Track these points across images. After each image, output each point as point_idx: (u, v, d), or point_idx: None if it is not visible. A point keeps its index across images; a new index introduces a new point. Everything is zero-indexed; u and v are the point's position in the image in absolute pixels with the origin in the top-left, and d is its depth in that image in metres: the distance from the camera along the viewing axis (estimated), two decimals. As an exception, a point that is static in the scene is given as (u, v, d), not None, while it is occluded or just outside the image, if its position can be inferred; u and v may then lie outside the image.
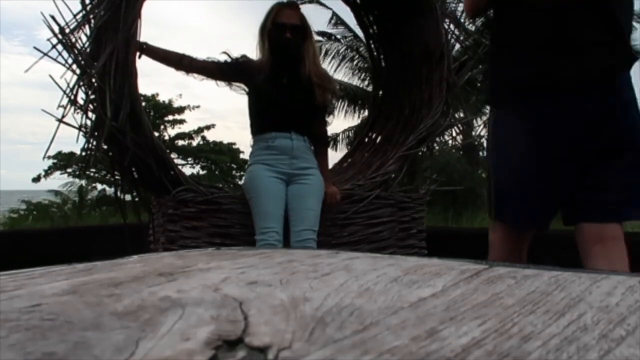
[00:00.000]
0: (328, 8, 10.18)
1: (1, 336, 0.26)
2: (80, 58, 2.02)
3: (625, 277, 0.44)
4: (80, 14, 2.04)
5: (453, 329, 0.29)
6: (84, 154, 2.13)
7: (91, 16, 2.04)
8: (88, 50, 2.04)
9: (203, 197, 2.20)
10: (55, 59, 2.04)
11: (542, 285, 0.41)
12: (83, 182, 9.99)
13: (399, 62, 3.14)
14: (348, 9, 3.34)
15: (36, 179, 10.81)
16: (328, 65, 11.03)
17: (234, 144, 12.33)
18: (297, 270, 0.46)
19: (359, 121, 11.12)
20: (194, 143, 12.03)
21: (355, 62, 11.41)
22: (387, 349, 0.25)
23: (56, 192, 10.07)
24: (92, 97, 2.06)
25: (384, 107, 3.22)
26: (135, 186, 2.27)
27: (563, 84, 1.38)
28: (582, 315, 0.32)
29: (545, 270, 0.47)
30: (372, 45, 3.37)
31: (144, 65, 2.16)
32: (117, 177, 2.32)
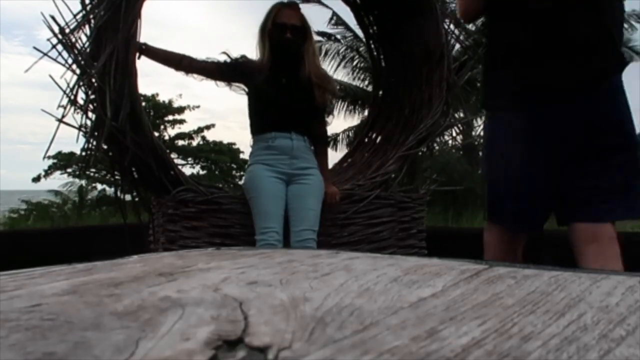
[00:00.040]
0: (328, 8, 10.18)
1: (1, 336, 0.26)
2: (80, 58, 2.02)
3: (625, 277, 0.44)
4: (80, 14, 2.04)
5: (453, 329, 0.29)
6: (84, 154, 2.13)
7: (91, 16, 2.03)
8: (88, 50, 2.04)
9: (203, 197, 2.20)
10: (55, 59, 2.03)
11: (542, 285, 0.41)
12: (83, 182, 10.00)
13: (399, 62, 3.14)
14: (348, 9, 3.34)
15: (36, 179, 10.81)
16: (328, 66, 11.04)
17: (234, 144, 12.33)
18: (297, 270, 0.46)
19: (359, 121, 11.13)
20: (194, 143, 12.04)
21: (355, 62, 11.41)
22: (387, 349, 0.25)
23: (56, 192, 10.07)
24: (92, 97, 2.06)
25: (384, 107, 3.22)
26: (135, 186, 2.27)
27: (555, 88, 1.40)
28: (582, 315, 0.32)
29: (545, 270, 0.47)
30: (372, 45, 3.37)
31: (144, 65, 2.17)
32: (117, 177, 2.32)
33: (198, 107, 11.78)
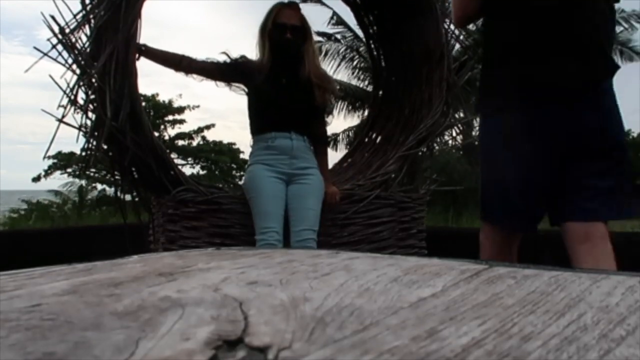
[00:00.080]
0: (329, 7, 10.18)
1: (1, 336, 0.26)
2: (80, 58, 2.02)
3: (625, 277, 0.44)
4: (80, 14, 2.04)
5: (453, 329, 0.29)
6: (84, 154, 2.13)
7: (91, 16, 2.03)
8: (88, 50, 2.04)
9: (203, 197, 2.20)
10: (55, 59, 2.03)
11: (542, 285, 0.41)
12: (83, 182, 10.01)
13: (399, 62, 3.14)
14: (348, 9, 3.35)
15: (36, 179, 10.82)
16: (328, 66, 11.05)
17: (234, 144, 12.35)
18: (297, 270, 0.46)
19: (359, 121, 11.13)
20: (194, 143, 12.05)
21: (355, 62, 11.41)
22: (387, 349, 0.25)
23: (56, 192, 10.08)
24: (92, 97, 2.06)
25: (384, 107, 3.22)
26: (135, 186, 2.27)
27: (561, 86, 1.40)
28: (582, 315, 0.32)
29: (545, 270, 0.47)
30: (372, 45, 3.37)
31: (144, 65, 2.16)
32: (117, 177, 2.32)
33: (198, 106, 11.80)
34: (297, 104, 2.20)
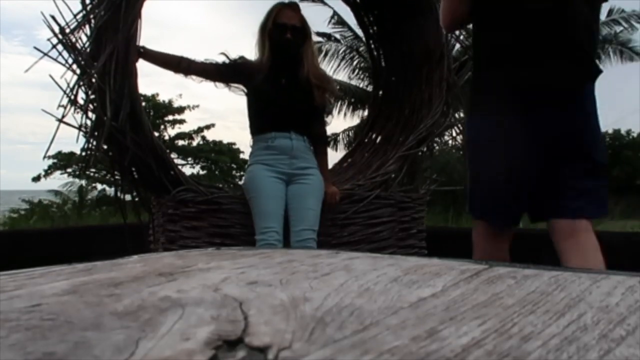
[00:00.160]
0: (329, 7, 10.18)
1: (1, 336, 0.26)
2: (80, 58, 2.02)
3: (625, 277, 0.44)
4: (80, 14, 2.04)
5: (453, 329, 0.29)
6: (84, 154, 2.13)
7: (91, 16, 2.03)
8: (88, 50, 2.04)
9: (203, 197, 2.20)
10: (55, 59, 2.03)
11: (542, 285, 0.41)
12: (83, 182, 10.01)
13: (399, 62, 3.14)
14: (348, 9, 3.35)
15: (36, 179, 10.82)
16: (328, 66, 11.05)
17: (234, 143, 12.36)
18: (297, 270, 0.46)
19: (359, 121, 11.14)
20: (194, 143, 12.05)
21: (355, 62, 11.42)
22: (387, 349, 0.25)
23: (56, 192, 10.09)
24: (92, 97, 2.06)
25: (384, 107, 3.22)
26: (135, 186, 2.27)
27: (542, 94, 1.45)
28: (582, 315, 0.32)
29: (545, 270, 0.47)
30: (372, 45, 3.37)
31: (144, 65, 2.17)
32: (117, 177, 2.32)
33: (197, 106, 11.79)
34: (296, 104, 2.20)
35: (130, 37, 2.07)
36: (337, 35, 11.25)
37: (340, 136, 11.99)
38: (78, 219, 7.29)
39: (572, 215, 1.46)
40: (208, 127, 12.08)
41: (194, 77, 2.29)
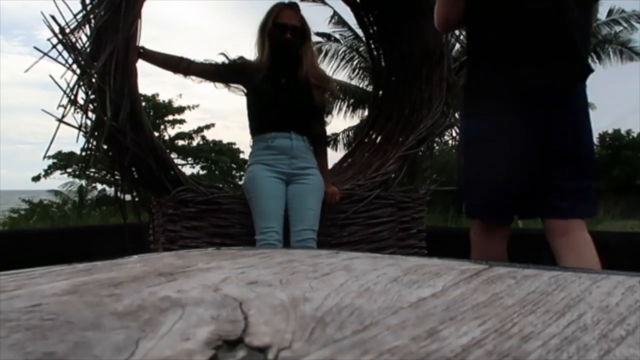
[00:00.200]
0: (330, 7, 10.18)
1: (1, 336, 0.26)
2: (80, 58, 2.02)
3: (625, 277, 0.44)
4: (80, 14, 2.04)
5: (453, 329, 0.29)
6: (84, 154, 2.13)
7: (91, 16, 2.03)
8: (88, 50, 2.04)
9: (203, 197, 2.20)
10: (55, 59, 2.03)
11: (542, 285, 0.41)
12: (83, 182, 10.01)
13: (399, 62, 3.14)
14: (348, 9, 3.34)
15: (36, 178, 10.82)
16: (328, 66, 11.05)
17: (234, 143, 12.36)
18: (297, 270, 0.46)
19: (359, 121, 11.13)
20: (194, 143, 12.05)
21: (355, 62, 11.42)
22: (387, 349, 0.25)
23: (56, 192, 10.09)
24: (92, 97, 2.06)
25: (384, 107, 3.22)
26: (135, 186, 2.27)
27: (542, 94, 1.47)
28: (582, 315, 0.32)
29: (545, 270, 0.47)
30: (372, 45, 3.37)
31: (144, 65, 2.17)
32: (117, 177, 2.32)
33: (197, 106, 11.79)
34: (296, 104, 2.20)
35: (130, 37, 2.07)
36: (337, 35, 11.26)
37: (340, 136, 11.99)
38: (78, 219, 7.29)
39: (565, 216, 1.50)
40: (208, 127, 12.08)
41: (193, 77, 2.29)
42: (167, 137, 11.32)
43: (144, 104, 3.36)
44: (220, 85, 2.33)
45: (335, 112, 11.16)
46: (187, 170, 11.43)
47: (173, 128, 11.74)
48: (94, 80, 2.01)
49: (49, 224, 6.42)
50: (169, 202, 2.19)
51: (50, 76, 2.02)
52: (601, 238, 1.48)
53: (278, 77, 2.21)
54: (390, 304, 0.34)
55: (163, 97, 11.61)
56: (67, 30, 2.02)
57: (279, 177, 2.15)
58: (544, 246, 1.57)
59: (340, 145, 11.80)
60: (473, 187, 1.59)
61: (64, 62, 2.03)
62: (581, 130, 1.52)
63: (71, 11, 2.03)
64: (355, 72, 11.51)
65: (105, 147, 2.11)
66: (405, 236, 2.62)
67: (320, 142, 2.35)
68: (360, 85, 11.50)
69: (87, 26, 2.05)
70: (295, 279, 0.42)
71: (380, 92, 3.35)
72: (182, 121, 11.72)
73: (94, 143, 2.08)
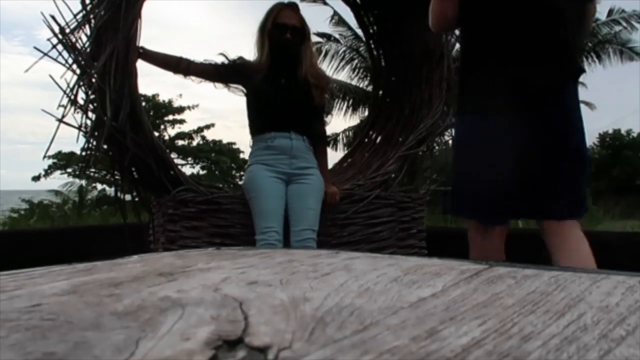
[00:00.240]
0: (330, 7, 10.17)
1: (1, 336, 0.26)
2: (80, 58, 2.02)
3: (625, 277, 0.44)
4: (80, 14, 2.03)
5: (453, 329, 0.29)
6: (84, 154, 2.13)
7: (91, 16, 2.03)
8: (88, 50, 2.04)
9: (203, 197, 2.20)
10: (55, 59, 2.03)
11: (542, 285, 0.41)
12: (83, 182, 10.00)
13: (399, 62, 3.14)
14: (348, 9, 3.34)
15: (36, 178, 10.82)
16: (328, 66, 11.05)
17: (234, 143, 12.35)
18: (297, 270, 0.46)
19: (359, 121, 11.13)
20: (194, 143, 12.04)
21: (355, 62, 11.41)
22: (387, 349, 0.25)
23: (56, 192, 10.08)
24: (92, 97, 2.06)
25: (384, 107, 3.22)
26: (135, 186, 2.26)
27: (521, 93, 1.48)
28: (582, 315, 0.32)
29: (545, 270, 0.47)
30: (372, 45, 3.37)
31: (144, 65, 2.17)
32: (117, 177, 2.32)
33: (197, 106, 11.78)
34: (296, 104, 2.20)
35: (130, 37, 2.06)
36: (337, 35, 11.25)
37: (340, 136, 11.98)
38: (78, 219, 7.29)
39: (559, 218, 1.52)
40: (208, 126, 12.07)
41: (193, 77, 2.29)
42: (167, 137, 11.32)
43: (144, 104, 3.35)
44: (219, 85, 2.33)
45: (335, 112, 11.16)
46: (187, 170, 11.43)
47: (173, 128, 11.74)
48: (94, 80, 2.01)
49: (49, 224, 6.42)
50: (169, 202, 2.19)
51: (50, 76, 2.02)
52: (601, 238, 1.49)
53: (277, 77, 2.21)
54: (390, 304, 0.34)
55: (163, 97, 11.61)
56: (67, 30, 2.02)
57: (279, 177, 2.15)
58: (544, 246, 1.57)
59: (340, 145, 11.80)
60: (463, 187, 1.61)
61: (64, 62, 2.03)
62: (573, 130, 1.53)
63: (71, 11, 2.03)
64: (355, 72, 11.51)
65: (105, 147, 2.11)
66: (405, 236, 2.62)
67: (320, 142, 2.35)
68: (360, 85, 11.50)
69: (87, 26, 2.04)
70: (295, 279, 0.42)
71: (380, 92, 3.35)
72: (182, 121, 11.72)
73: (94, 143, 2.08)
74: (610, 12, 11.47)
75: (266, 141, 2.17)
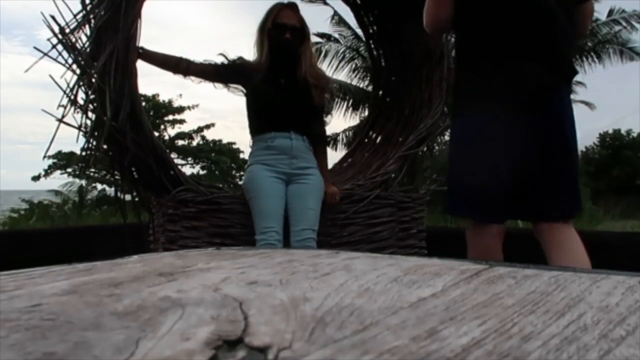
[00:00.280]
0: (330, 7, 10.17)
1: (1, 336, 0.26)
2: (80, 58, 2.02)
3: (625, 277, 0.44)
4: (80, 14, 2.03)
5: (453, 329, 0.29)
6: (84, 154, 2.13)
7: (91, 16, 2.03)
8: (88, 50, 2.04)
9: (203, 197, 2.20)
10: (55, 59, 2.03)
11: (542, 285, 0.41)
12: (83, 182, 10.00)
13: (399, 62, 3.14)
14: (348, 9, 3.34)
15: (36, 178, 10.81)
16: (328, 66, 11.04)
17: (234, 143, 12.35)
18: (297, 270, 0.46)
19: (359, 121, 11.13)
20: (194, 143, 12.04)
21: (355, 62, 11.41)
22: (387, 349, 0.25)
23: (56, 192, 10.08)
24: (92, 97, 2.06)
25: (384, 107, 3.22)
26: (135, 186, 2.26)
27: (514, 95, 1.50)
28: (582, 315, 0.32)
29: (545, 270, 0.47)
30: (372, 45, 3.37)
31: (144, 65, 2.17)
32: (117, 177, 2.32)
33: (197, 106, 11.78)
34: (295, 104, 2.20)
35: (130, 37, 2.06)
36: (337, 35, 11.25)
37: (340, 136, 11.98)
38: (78, 219, 7.29)
39: (552, 219, 1.53)
40: (208, 126, 12.07)
41: (193, 77, 2.29)
42: (167, 137, 11.32)
43: (144, 104, 3.35)
44: (219, 85, 2.33)
45: (335, 112, 11.15)
46: (187, 170, 11.43)
47: (173, 128, 11.74)
48: (94, 80, 2.01)
49: (49, 224, 6.42)
50: (169, 202, 2.19)
51: (50, 76, 2.02)
52: (601, 238, 1.48)
53: (277, 77, 2.21)
54: (390, 304, 0.34)
55: (163, 97, 11.61)
56: (67, 30, 2.02)
57: (279, 177, 2.15)
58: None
59: (340, 145, 11.80)
60: (459, 186, 1.62)
61: (64, 62, 2.03)
62: (566, 131, 1.54)
63: (71, 11, 2.03)
64: (355, 72, 11.50)
65: (105, 147, 2.11)
66: (405, 236, 2.62)
67: (320, 142, 2.35)
68: (360, 85, 11.49)
69: (87, 26, 2.04)
70: (295, 279, 0.42)
71: (380, 92, 3.35)
72: (182, 121, 11.71)
73: (94, 143, 2.08)
74: (610, 12, 11.47)
75: (266, 141, 2.17)
